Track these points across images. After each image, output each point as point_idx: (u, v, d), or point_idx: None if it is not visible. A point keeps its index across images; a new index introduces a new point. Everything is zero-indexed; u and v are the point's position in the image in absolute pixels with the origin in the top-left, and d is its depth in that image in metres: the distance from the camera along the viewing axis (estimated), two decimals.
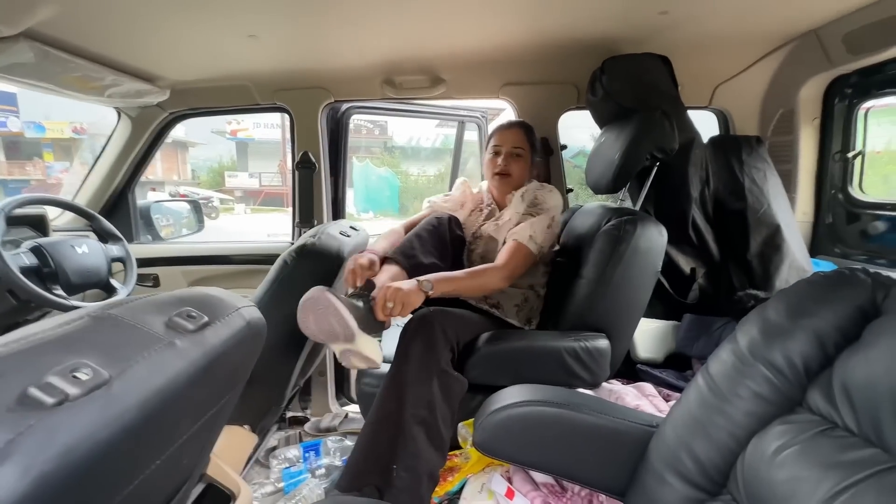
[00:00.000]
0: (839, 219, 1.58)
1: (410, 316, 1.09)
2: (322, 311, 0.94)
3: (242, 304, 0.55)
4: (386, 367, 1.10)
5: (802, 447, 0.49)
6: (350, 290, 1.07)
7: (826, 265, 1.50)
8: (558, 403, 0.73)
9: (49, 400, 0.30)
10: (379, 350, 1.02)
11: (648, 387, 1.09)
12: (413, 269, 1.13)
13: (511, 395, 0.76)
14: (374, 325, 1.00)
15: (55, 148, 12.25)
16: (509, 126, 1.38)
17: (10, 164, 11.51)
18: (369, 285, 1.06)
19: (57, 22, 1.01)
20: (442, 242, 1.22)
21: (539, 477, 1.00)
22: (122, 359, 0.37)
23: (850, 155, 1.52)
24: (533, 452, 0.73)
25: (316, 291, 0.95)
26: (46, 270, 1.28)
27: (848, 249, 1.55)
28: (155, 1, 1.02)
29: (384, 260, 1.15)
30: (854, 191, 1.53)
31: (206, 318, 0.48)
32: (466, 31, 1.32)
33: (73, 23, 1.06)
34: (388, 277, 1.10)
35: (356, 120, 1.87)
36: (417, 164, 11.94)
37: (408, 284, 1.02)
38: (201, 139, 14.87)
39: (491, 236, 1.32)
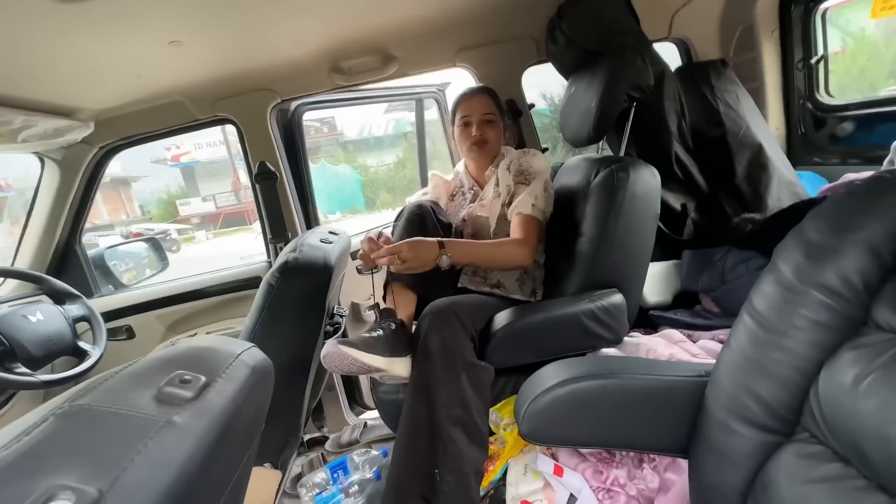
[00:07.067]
0: (810, 127, 1.58)
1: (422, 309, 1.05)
2: (344, 363, 0.92)
3: (241, 349, 0.47)
4: None
5: (885, 371, 0.46)
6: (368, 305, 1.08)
7: (809, 176, 1.51)
8: (601, 374, 0.68)
9: None
10: (410, 367, 1.00)
11: (675, 333, 1.07)
12: None
13: (549, 377, 0.71)
14: (401, 346, 0.99)
15: None
16: (473, 93, 1.27)
17: None
18: (388, 313, 1.03)
19: None
20: (433, 231, 1.15)
21: (584, 447, 0.97)
22: (110, 463, 0.28)
23: (812, 61, 1.51)
24: (586, 430, 0.68)
25: (330, 347, 0.93)
26: (0, 349, 1.14)
27: (825, 156, 1.56)
28: (54, 21, 0.86)
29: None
30: (821, 96, 1.53)
31: (203, 379, 0.39)
32: None
33: None
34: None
35: (303, 121, 1.73)
36: (374, 155, 11.63)
37: (424, 241, 1.02)
38: (142, 171, 13.98)
39: (479, 216, 1.26)
